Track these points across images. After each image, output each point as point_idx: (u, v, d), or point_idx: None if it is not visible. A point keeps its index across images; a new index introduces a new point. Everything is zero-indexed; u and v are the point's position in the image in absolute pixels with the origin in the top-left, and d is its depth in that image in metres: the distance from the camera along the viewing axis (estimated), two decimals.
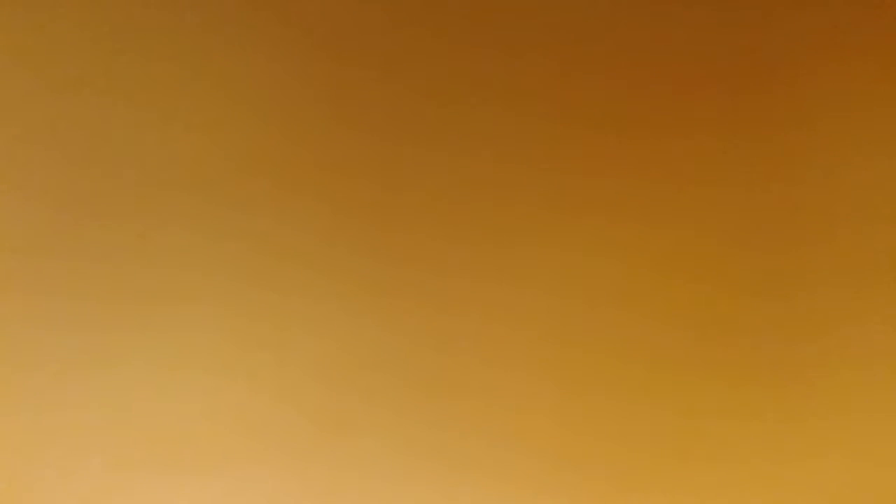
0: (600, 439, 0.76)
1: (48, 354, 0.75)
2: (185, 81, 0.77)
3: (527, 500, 0.75)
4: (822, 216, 0.77)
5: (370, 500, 0.75)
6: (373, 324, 0.76)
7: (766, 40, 0.78)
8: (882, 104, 0.78)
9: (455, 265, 0.77)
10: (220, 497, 0.75)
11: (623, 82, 0.78)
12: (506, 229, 0.77)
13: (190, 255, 0.76)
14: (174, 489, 0.75)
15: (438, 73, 0.77)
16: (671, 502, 0.76)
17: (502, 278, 0.77)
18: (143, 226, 0.76)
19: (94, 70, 0.76)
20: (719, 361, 0.76)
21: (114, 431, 0.75)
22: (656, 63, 0.78)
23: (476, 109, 0.77)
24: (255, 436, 0.75)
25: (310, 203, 0.76)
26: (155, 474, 0.75)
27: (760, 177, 0.78)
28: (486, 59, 0.78)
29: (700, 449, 0.76)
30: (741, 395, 0.76)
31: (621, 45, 0.78)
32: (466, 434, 0.76)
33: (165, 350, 0.75)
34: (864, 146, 0.78)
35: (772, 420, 0.76)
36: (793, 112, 0.78)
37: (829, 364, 0.76)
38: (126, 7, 0.77)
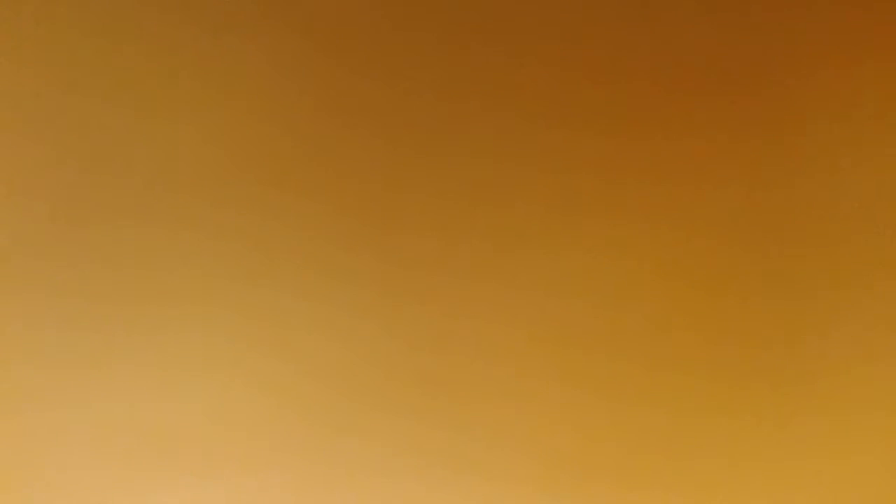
0: (601, 440, 0.76)
1: (48, 354, 0.75)
2: (184, 82, 0.77)
3: (528, 500, 0.75)
4: (823, 216, 0.77)
5: (370, 501, 0.75)
6: (373, 324, 0.76)
7: (766, 41, 0.78)
8: (882, 104, 0.78)
9: (455, 265, 0.77)
10: (219, 497, 0.75)
11: (624, 84, 0.78)
12: (506, 230, 0.77)
13: (190, 255, 0.76)
14: (174, 489, 0.75)
15: (439, 73, 0.77)
16: (672, 502, 0.76)
17: (503, 279, 0.77)
18: (142, 226, 0.76)
19: (92, 70, 0.76)
20: (720, 362, 0.76)
21: (114, 431, 0.75)
22: (657, 65, 0.78)
23: (476, 110, 0.77)
24: (255, 436, 0.75)
25: (310, 203, 0.76)
26: (155, 474, 0.75)
27: (761, 178, 0.78)
28: (487, 61, 0.78)
29: (701, 449, 0.76)
30: (742, 395, 0.76)
31: (622, 47, 0.78)
32: (467, 435, 0.76)
33: (165, 350, 0.75)
34: (864, 146, 0.78)
35: (772, 420, 0.76)
36: (793, 113, 0.78)
37: (830, 364, 0.76)
38: (125, 7, 0.77)
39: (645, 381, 0.76)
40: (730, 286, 0.77)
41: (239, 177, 0.76)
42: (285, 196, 0.76)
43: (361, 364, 0.76)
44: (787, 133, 0.78)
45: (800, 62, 0.78)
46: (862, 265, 0.77)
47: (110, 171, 0.76)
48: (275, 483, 0.75)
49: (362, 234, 0.76)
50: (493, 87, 0.78)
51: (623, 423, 0.76)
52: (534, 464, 0.76)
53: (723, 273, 0.77)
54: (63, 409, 0.75)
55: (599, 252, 0.77)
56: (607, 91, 0.78)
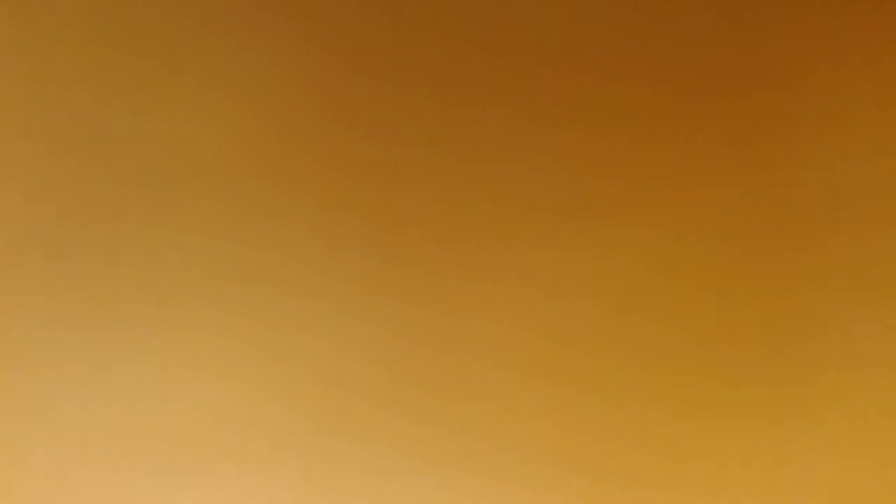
0: (600, 439, 0.76)
1: (48, 354, 0.75)
2: (185, 81, 0.77)
3: (527, 500, 0.75)
4: (822, 216, 0.77)
5: (370, 501, 0.75)
6: (373, 324, 0.76)
7: (766, 41, 0.78)
8: (882, 104, 0.78)
9: (455, 265, 0.77)
10: (219, 497, 0.75)
11: (624, 84, 0.78)
12: (506, 230, 0.77)
13: (189, 255, 0.76)
14: (174, 489, 0.75)
15: (439, 73, 0.77)
16: (672, 502, 0.76)
17: (503, 279, 0.77)
18: (142, 225, 0.76)
19: (93, 70, 0.76)
20: (719, 362, 0.76)
21: (113, 431, 0.75)
22: (656, 64, 0.78)
23: (476, 110, 0.77)
24: (255, 436, 0.75)
25: (310, 203, 0.76)
26: (154, 474, 0.75)
27: (760, 177, 0.78)
28: (486, 60, 0.78)
29: (700, 449, 0.76)
30: (741, 395, 0.76)
31: (623, 47, 0.78)
32: (467, 434, 0.76)
33: (165, 350, 0.75)
34: (864, 146, 0.78)
35: (770, 420, 0.76)
36: (793, 112, 0.78)
37: (828, 364, 0.76)
38: (125, 6, 0.77)
39: (645, 381, 0.76)
40: (730, 286, 0.77)
41: (239, 177, 0.76)
42: (285, 196, 0.76)
43: (361, 364, 0.76)
44: (788, 133, 0.78)
45: (800, 62, 0.78)
46: (862, 265, 0.77)
47: (110, 171, 0.76)
48: (275, 483, 0.75)
49: (362, 234, 0.76)
50: (493, 87, 0.78)
51: (623, 423, 0.76)
52: (533, 463, 0.76)
53: (723, 273, 0.77)
54: (63, 409, 0.75)
55: (599, 252, 0.77)
56: (607, 91, 0.78)
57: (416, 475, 0.75)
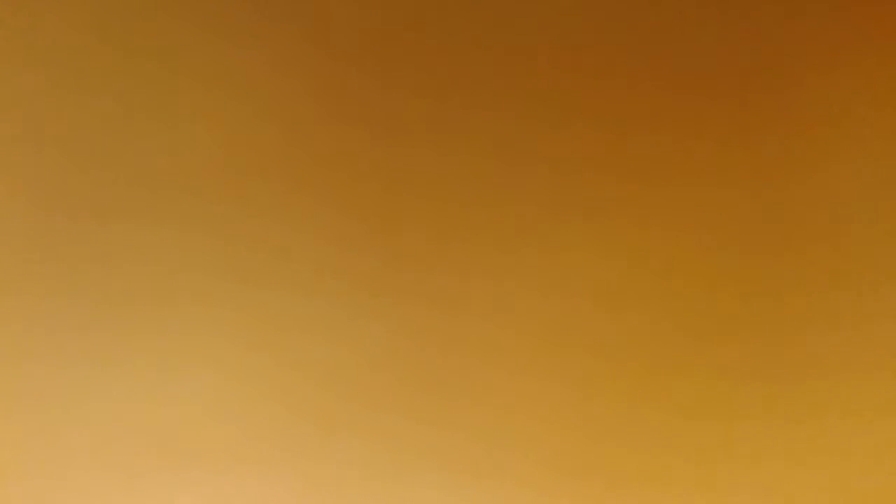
0: (601, 441, 0.76)
1: (48, 354, 0.75)
2: (185, 81, 0.77)
3: (527, 500, 0.75)
4: (822, 217, 0.77)
5: (370, 501, 0.75)
6: (373, 324, 0.76)
7: (767, 41, 0.78)
8: (881, 105, 0.78)
9: (456, 266, 0.77)
10: (219, 497, 0.75)
11: (624, 84, 0.78)
12: (507, 230, 0.77)
13: (190, 255, 0.76)
14: (173, 489, 0.75)
15: (439, 72, 0.77)
16: (672, 503, 0.76)
17: (503, 279, 0.77)
18: (142, 226, 0.76)
19: (92, 70, 0.76)
20: (720, 363, 0.76)
21: (113, 431, 0.75)
22: (657, 64, 0.78)
23: (477, 109, 0.77)
24: (255, 436, 0.75)
25: (310, 203, 0.76)
26: (154, 474, 0.75)
27: (760, 178, 0.78)
28: (486, 60, 0.78)
29: (700, 450, 0.76)
30: (742, 396, 0.76)
31: (622, 46, 0.78)
32: (468, 436, 0.76)
33: (165, 350, 0.75)
34: (864, 146, 0.78)
35: (772, 421, 0.76)
36: (793, 113, 0.78)
37: (829, 365, 0.76)
38: (124, 6, 0.77)
39: (645, 382, 0.76)
40: (730, 286, 0.77)
41: (239, 177, 0.76)
42: (285, 196, 0.76)
43: (361, 364, 0.76)
44: (788, 133, 0.78)
45: (800, 62, 0.78)
46: (862, 265, 0.77)
47: (110, 171, 0.76)
48: (275, 483, 0.75)
49: (362, 233, 0.76)
50: (493, 87, 0.78)
51: (623, 424, 0.76)
52: (534, 465, 0.76)
53: (723, 273, 0.77)
54: (63, 409, 0.75)
55: (599, 252, 0.77)
56: (608, 91, 0.78)
57: (415, 475, 0.75)
